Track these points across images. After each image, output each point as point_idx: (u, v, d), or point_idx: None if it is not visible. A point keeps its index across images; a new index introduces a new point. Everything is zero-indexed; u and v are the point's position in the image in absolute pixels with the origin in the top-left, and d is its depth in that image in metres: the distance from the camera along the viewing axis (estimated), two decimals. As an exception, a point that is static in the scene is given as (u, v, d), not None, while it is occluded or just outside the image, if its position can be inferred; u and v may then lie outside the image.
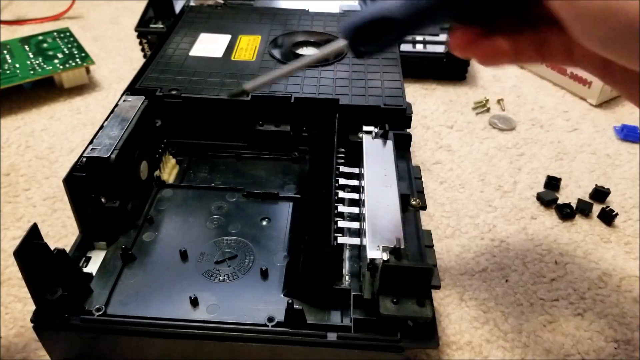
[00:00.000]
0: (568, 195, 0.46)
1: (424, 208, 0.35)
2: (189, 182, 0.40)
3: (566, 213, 0.44)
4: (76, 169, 0.32)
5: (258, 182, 0.39)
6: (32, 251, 0.27)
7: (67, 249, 0.30)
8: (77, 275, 0.30)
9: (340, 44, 0.26)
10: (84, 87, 0.59)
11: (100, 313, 0.29)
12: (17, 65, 0.57)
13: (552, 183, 0.46)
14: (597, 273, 0.39)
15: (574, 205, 0.44)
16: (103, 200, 0.33)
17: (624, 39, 0.18)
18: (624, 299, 0.38)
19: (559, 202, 0.45)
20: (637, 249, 0.41)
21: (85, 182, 0.32)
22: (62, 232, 0.42)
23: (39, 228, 0.27)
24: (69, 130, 0.53)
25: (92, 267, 0.32)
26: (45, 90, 0.58)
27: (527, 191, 0.47)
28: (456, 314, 0.36)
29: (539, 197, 0.45)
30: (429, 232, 0.33)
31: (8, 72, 0.56)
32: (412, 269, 0.26)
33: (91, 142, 0.33)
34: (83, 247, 0.33)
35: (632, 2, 0.17)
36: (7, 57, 0.58)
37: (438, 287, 0.30)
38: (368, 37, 0.24)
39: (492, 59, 0.23)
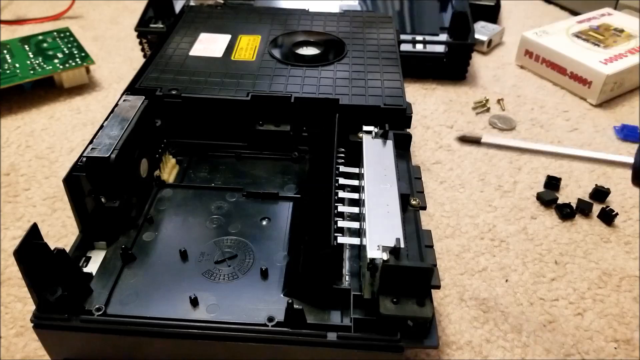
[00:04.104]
0: (568, 195, 0.46)
1: (424, 208, 0.35)
2: (189, 182, 0.40)
3: (566, 213, 0.44)
4: (76, 169, 0.32)
5: (258, 182, 0.39)
6: (32, 251, 0.27)
7: (67, 249, 0.30)
8: (77, 275, 0.30)
9: None
10: (84, 87, 0.59)
11: (100, 313, 0.29)
12: (17, 65, 0.57)
13: (552, 183, 0.46)
14: (597, 273, 0.39)
15: (574, 205, 0.44)
16: (103, 200, 0.33)
17: None
18: (624, 299, 0.38)
19: (559, 202, 0.45)
20: (637, 249, 0.41)
21: (85, 182, 0.32)
22: (62, 232, 0.42)
23: (39, 228, 0.27)
24: (69, 130, 0.53)
25: (92, 267, 0.32)
26: (45, 90, 0.58)
27: (527, 191, 0.47)
28: (456, 314, 0.36)
29: (539, 197, 0.45)
30: (429, 232, 0.33)
31: (8, 72, 0.56)
32: (412, 269, 0.26)
33: (91, 141, 0.33)
34: (83, 247, 0.33)
35: None
36: (7, 57, 0.58)
37: (438, 287, 0.29)
38: None
39: None
